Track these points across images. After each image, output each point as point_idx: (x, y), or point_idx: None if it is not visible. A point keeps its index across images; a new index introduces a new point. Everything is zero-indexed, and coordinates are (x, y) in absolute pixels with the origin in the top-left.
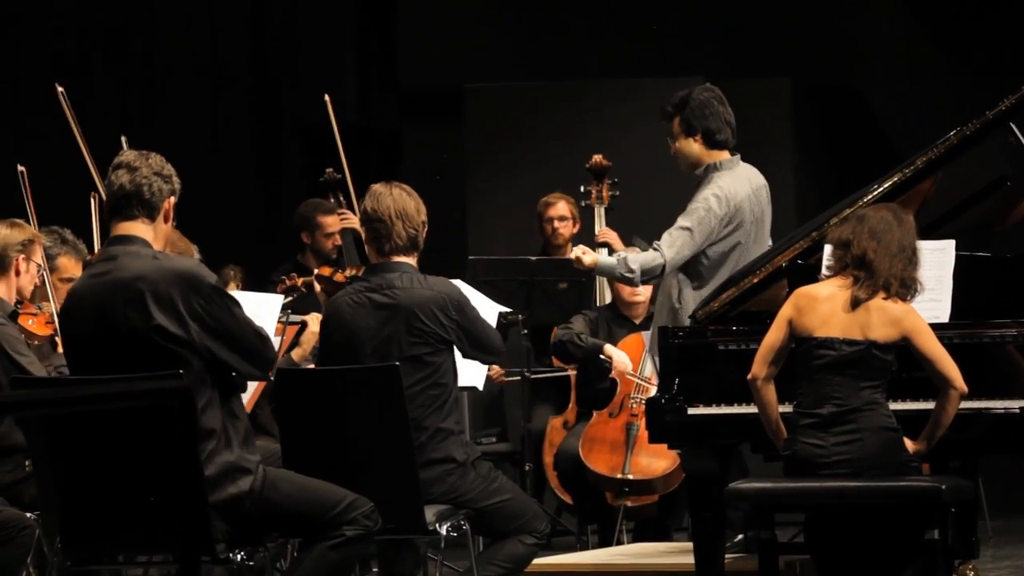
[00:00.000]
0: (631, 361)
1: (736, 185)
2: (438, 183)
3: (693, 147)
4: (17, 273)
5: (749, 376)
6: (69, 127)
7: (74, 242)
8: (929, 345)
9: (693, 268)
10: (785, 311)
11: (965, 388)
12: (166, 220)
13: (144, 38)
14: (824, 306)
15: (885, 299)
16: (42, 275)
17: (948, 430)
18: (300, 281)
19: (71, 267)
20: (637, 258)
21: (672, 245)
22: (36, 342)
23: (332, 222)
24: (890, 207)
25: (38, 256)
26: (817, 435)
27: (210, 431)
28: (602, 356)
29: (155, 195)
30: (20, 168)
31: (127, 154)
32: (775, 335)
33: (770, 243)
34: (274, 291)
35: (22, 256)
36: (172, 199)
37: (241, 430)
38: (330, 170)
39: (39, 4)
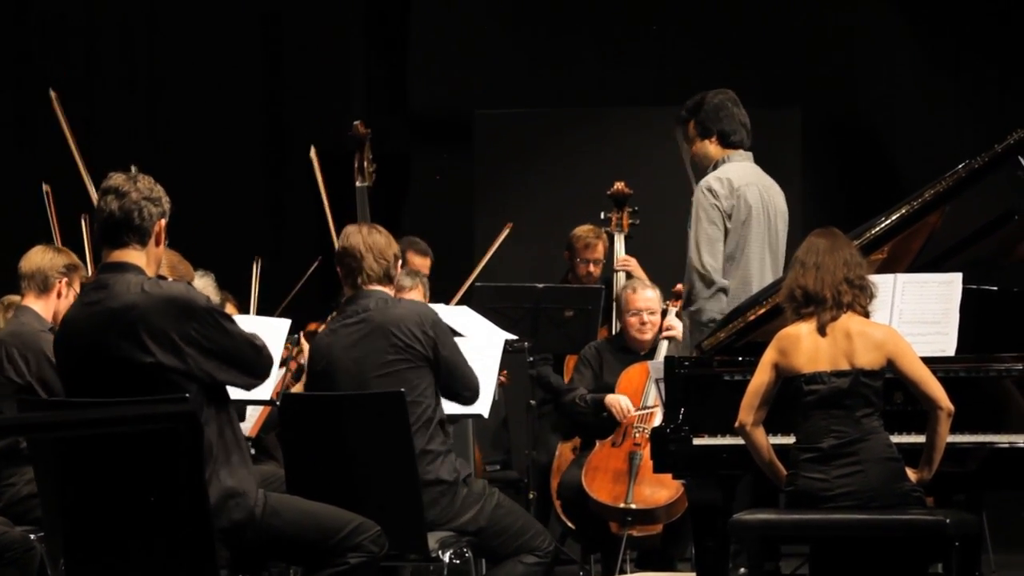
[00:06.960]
0: (634, 392)
1: (740, 171)
2: (446, 209)
3: (709, 148)
4: (59, 296)
5: (736, 424)
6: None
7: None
8: (913, 367)
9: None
10: (769, 355)
11: (951, 407)
12: (158, 243)
13: (154, 60)
14: (807, 343)
15: (857, 315)
16: None
17: (953, 464)
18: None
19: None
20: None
21: (691, 253)
22: None
23: None
24: (813, 232)
25: (77, 284)
26: (818, 469)
27: (207, 456)
28: (605, 414)
29: (145, 220)
30: (45, 187)
31: (115, 178)
32: (760, 379)
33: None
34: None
35: (64, 280)
36: (163, 221)
37: (238, 456)
38: (358, 123)
39: (47, 19)
